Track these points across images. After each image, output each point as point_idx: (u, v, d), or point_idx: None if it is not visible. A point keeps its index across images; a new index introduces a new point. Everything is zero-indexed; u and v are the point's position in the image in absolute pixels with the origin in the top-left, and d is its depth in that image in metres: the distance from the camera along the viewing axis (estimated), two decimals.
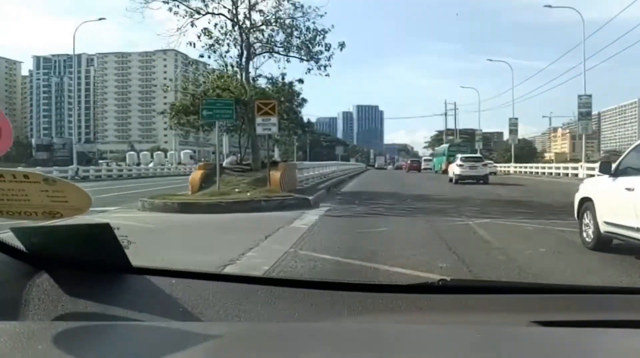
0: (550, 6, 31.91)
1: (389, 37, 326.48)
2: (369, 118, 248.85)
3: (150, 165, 49.13)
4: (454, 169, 20.97)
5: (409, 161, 59.06)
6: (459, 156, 22.34)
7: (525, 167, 37.93)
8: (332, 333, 0.87)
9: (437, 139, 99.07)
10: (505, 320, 1.00)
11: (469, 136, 66.07)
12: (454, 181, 20.63)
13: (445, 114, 70.64)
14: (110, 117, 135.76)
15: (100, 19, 42.33)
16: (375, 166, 75.19)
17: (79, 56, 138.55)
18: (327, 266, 4.58)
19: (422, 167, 55.81)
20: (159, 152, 70.48)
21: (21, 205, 0.93)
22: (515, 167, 39.16)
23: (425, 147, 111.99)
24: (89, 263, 1.03)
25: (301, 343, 0.80)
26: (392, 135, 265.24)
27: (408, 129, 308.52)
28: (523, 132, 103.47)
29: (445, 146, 46.96)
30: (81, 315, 0.94)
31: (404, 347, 0.79)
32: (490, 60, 70.63)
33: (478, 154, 30.51)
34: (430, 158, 60.04)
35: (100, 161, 60.59)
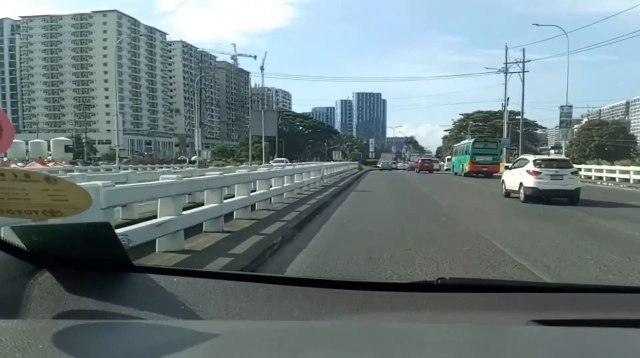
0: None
1: (392, 28, 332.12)
2: (371, 107, 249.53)
3: None
4: (524, 180, 15.35)
5: (419, 160, 57.57)
6: (530, 158, 16.64)
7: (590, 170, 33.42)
8: (332, 332, 1.06)
9: (460, 127, 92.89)
10: (504, 319, 1.20)
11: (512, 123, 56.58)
12: (522, 198, 15.28)
13: (506, 70, 52.33)
14: (39, 99, 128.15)
15: None
16: (380, 166, 69.53)
17: (1, 21, 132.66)
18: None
19: (445, 168, 54.99)
20: (58, 138, 60.79)
21: (22, 204, 1.14)
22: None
23: (444, 137, 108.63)
24: (90, 261, 1.25)
25: (301, 342, 0.99)
26: (396, 128, 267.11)
27: (412, 122, 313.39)
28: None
29: (468, 142, 44.05)
30: (82, 313, 1.15)
31: (404, 346, 0.97)
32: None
33: (563, 156, 25.86)
34: (449, 156, 58.85)
35: None
